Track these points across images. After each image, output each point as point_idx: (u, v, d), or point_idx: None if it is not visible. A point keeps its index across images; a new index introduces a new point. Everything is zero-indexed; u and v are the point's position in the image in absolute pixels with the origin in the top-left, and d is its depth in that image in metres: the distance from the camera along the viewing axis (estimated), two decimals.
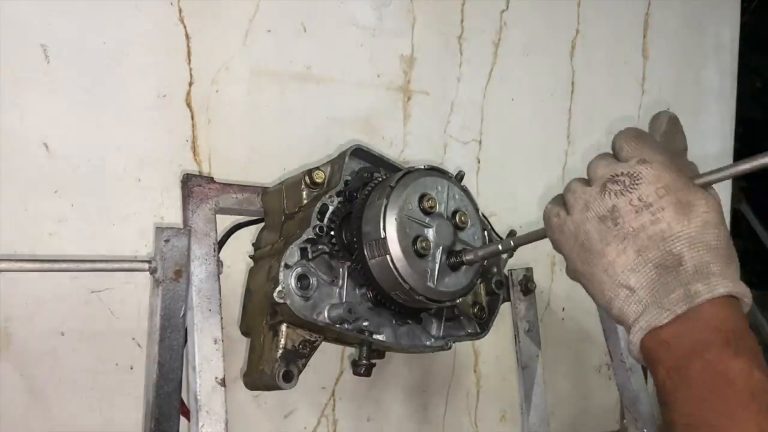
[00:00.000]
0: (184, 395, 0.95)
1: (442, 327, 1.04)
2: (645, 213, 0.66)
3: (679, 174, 0.68)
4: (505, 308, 1.14)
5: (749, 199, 2.91)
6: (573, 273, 0.76)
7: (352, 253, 0.94)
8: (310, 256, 0.92)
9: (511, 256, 1.12)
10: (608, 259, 0.68)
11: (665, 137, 0.75)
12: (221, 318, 0.95)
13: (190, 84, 1.22)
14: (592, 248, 0.70)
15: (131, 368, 1.16)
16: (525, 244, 0.91)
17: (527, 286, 1.20)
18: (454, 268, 0.93)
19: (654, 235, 0.66)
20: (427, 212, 0.93)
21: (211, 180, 1.02)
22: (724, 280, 0.64)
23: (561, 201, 0.75)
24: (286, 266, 0.90)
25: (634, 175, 0.68)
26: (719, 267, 0.65)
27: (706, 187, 0.70)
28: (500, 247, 0.92)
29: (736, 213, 2.76)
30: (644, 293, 0.67)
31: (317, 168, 1.00)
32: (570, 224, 0.72)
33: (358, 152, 1.00)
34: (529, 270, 1.21)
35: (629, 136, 0.71)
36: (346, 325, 0.93)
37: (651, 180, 0.67)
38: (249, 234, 1.10)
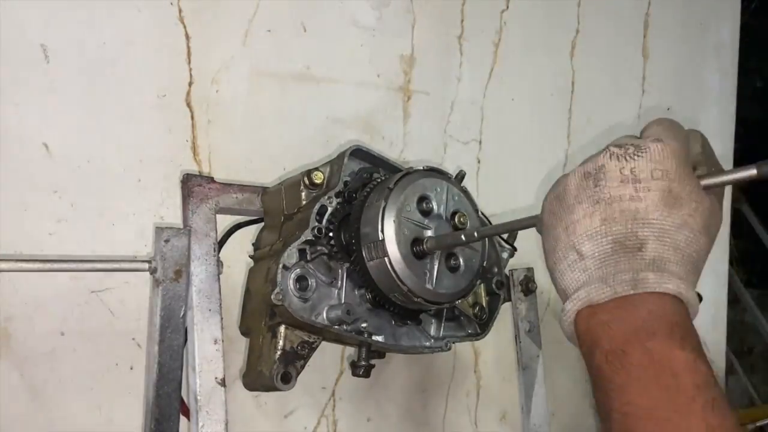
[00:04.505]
0: (184, 395, 0.95)
1: (442, 328, 1.04)
2: (629, 186, 0.63)
3: (685, 167, 0.64)
4: (505, 308, 1.14)
5: (749, 199, 2.92)
6: (540, 224, 0.72)
7: (350, 255, 0.94)
8: (308, 257, 0.92)
9: (512, 255, 1.12)
10: (573, 217, 0.65)
11: (693, 141, 0.71)
12: (221, 318, 0.95)
13: (190, 84, 1.22)
14: (564, 201, 0.67)
15: (131, 368, 1.16)
16: (490, 236, 0.88)
17: (528, 286, 1.20)
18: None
19: (627, 211, 0.62)
20: (425, 214, 0.93)
21: (211, 180, 1.02)
22: (677, 280, 0.61)
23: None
24: (285, 268, 0.90)
25: (641, 147, 0.64)
26: (678, 268, 0.62)
27: (712, 192, 0.66)
28: (463, 237, 0.89)
29: (736, 213, 2.76)
30: (592, 264, 0.63)
31: (316, 168, 1.00)
32: (560, 182, 0.70)
33: (358, 152, 1.00)
34: (530, 270, 1.21)
35: (662, 120, 0.68)
36: (344, 327, 0.93)
37: (653, 158, 0.63)
38: (249, 234, 1.10)
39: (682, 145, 0.66)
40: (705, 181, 0.65)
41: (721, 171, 0.69)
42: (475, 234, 0.89)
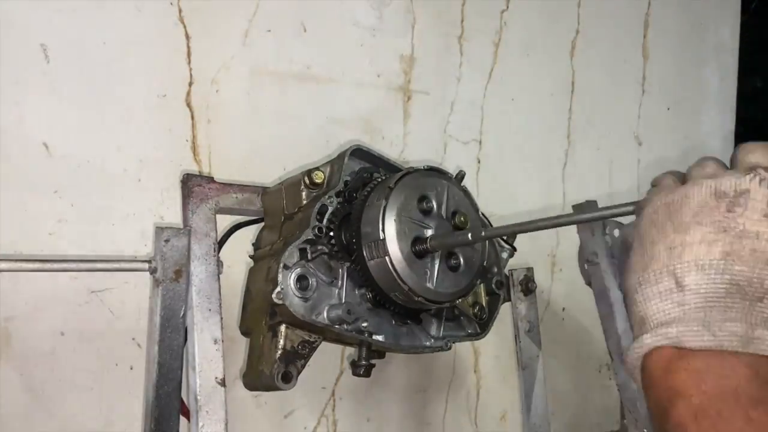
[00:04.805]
0: (184, 395, 0.95)
1: (442, 327, 1.04)
2: None
3: None
4: (505, 308, 1.14)
5: None
6: (631, 234, 0.60)
7: (351, 254, 0.94)
8: (309, 256, 0.92)
9: (511, 255, 1.12)
10: (685, 238, 0.54)
11: None
12: (221, 318, 0.95)
13: (190, 84, 1.22)
14: (678, 217, 0.55)
15: (131, 368, 1.16)
16: (497, 237, 0.87)
17: (528, 286, 1.20)
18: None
19: (760, 252, 0.52)
20: (426, 213, 0.93)
21: (211, 180, 1.02)
22: None
23: (681, 174, 0.60)
24: (285, 267, 0.90)
25: None
26: None
27: None
28: (470, 236, 0.88)
29: None
30: (694, 300, 0.53)
31: (317, 168, 1.00)
32: (677, 190, 0.56)
33: (358, 152, 1.00)
34: (529, 270, 1.21)
35: None
36: (345, 326, 0.93)
37: None
38: (249, 234, 1.10)
39: None
40: None
41: None
42: (483, 233, 0.88)
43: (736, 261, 0.52)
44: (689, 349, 0.52)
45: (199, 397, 0.91)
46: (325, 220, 0.94)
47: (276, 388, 0.93)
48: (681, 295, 0.53)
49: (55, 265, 0.94)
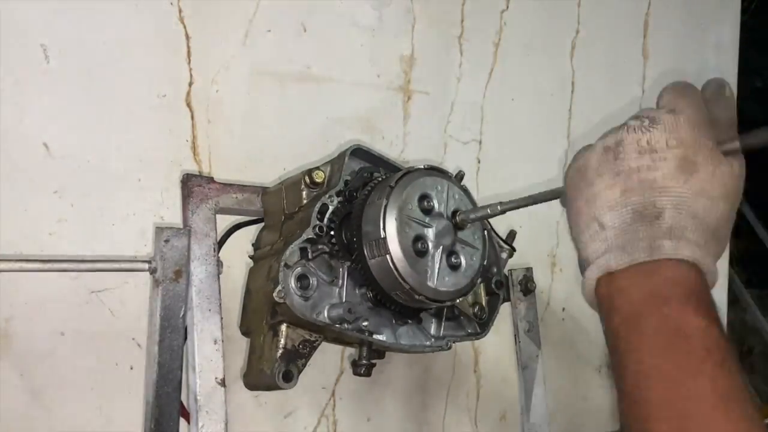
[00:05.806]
0: (183, 396, 0.95)
1: (442, 327, 1.04)
2: (646, 157, 0.65)
3: (700, 133, 0.65)
4: (505, 308, 1.14)
5: (749, 199, 2.91)
6: (564, 199, 0.75)
7: (351, 253, 0.94)
8: (309, 256, 0.92)
9: (510, 255, 1.12)
10: (594, 190, 0.68)
11: (709, 103, 0.70)
12: (221, 318, 0.95)
13: (190, 84, 1.22)
14: (585, 175, 0.69)
15: (131, 368, 1.16)
16: (515, 209, 0.91)
17: (527, 286, 1.20)
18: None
19: (645, 181, 0.65)
20: (427, 212, 0.93)
21: (211, 180, 1.02)
22: (693, 247, 0.63)
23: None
24: (286, 266, 0.90)
25: (655, 119, 0.66)
26: (695, 236, 0.64)
27: (733, 157, 0.66)
28: (489, 210, 0.93)
29: (736, 213, 2.75)
30: (612, 234, 0.66)
31: (317, 168, 1.00)
32: (581, 157, 0.72)
33: (358, 152, 1.00)
34: (529, 270, 1.21)
35: (675, 87, 0.69)
36: (345, 325, 0.93)
37: (668, 128, 0.65)
38: (249, 234, 1.10)
39: (696, 112, 0.67)
40: (724, 147, 0.66)
41: (739, 134, 0.69)
42: (498, 207, 0.90)
43: (631, 194, 0.65)
44: (617, 272, 0.65)
45: (199, 397, 0.91)
46: (325, 220, 0.94)
47: (277, 388, 0.93)
48: (604, 233, 0.67)
49: (55, 265, 0.94)
